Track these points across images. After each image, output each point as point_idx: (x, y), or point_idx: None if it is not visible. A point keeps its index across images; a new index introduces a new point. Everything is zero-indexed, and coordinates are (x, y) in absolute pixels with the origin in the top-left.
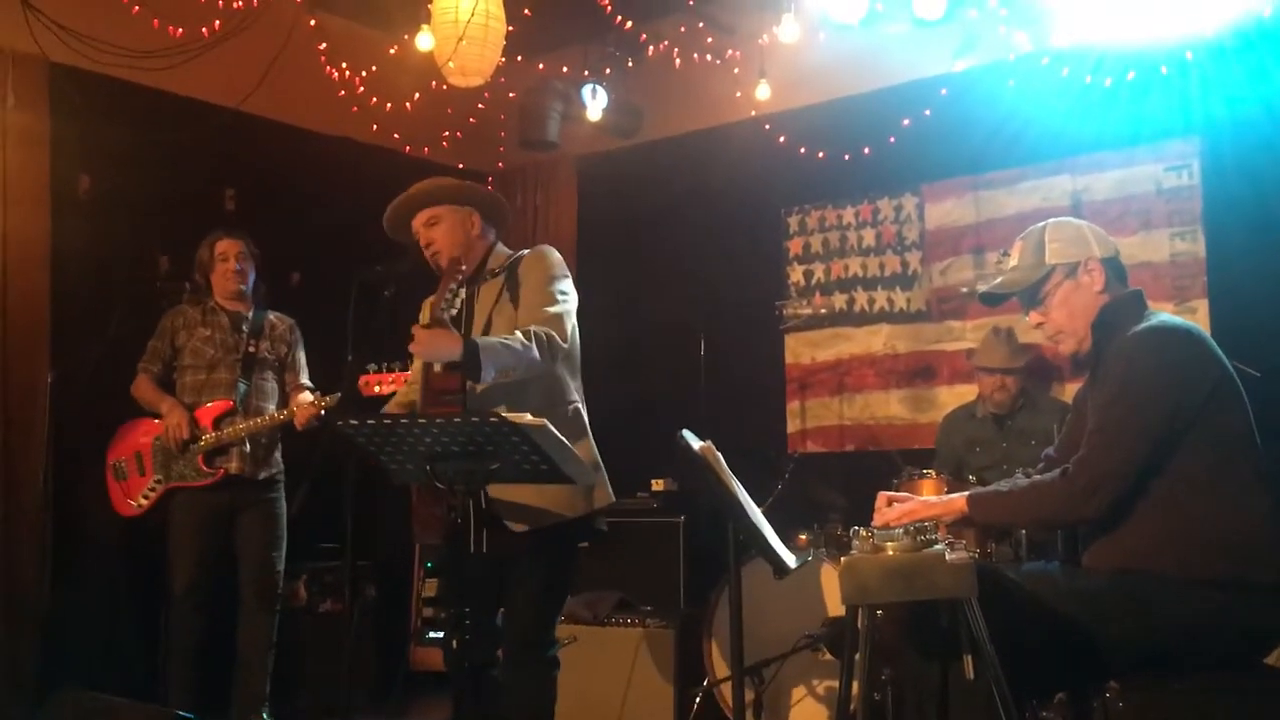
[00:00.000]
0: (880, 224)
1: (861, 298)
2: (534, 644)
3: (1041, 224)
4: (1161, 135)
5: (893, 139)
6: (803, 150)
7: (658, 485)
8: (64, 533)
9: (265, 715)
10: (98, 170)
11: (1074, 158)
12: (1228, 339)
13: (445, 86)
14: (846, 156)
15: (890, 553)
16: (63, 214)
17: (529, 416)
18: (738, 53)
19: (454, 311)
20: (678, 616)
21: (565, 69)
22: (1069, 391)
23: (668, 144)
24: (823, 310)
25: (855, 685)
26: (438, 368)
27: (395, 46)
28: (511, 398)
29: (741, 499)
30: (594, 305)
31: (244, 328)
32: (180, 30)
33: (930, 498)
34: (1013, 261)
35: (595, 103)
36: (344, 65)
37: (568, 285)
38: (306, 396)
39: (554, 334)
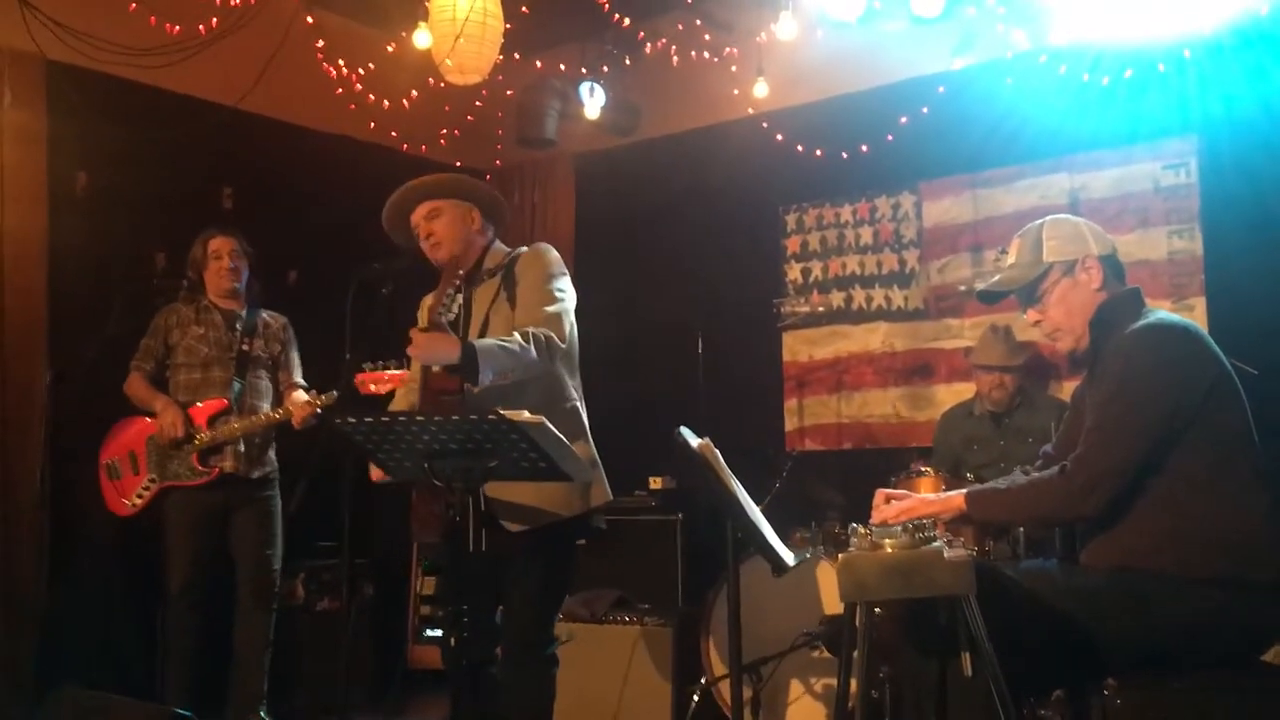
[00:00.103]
0: (878, 222)
1: (859, 296)
2: (533, 643)
3: (1039, 221)
4: (1159, 133)
5: (890, 137)
6: (800, 148)
7: (656, 483)
8: (61, 532)
9: (263, 714)
10: (95, 168)
11: (1072, 156)
12: (1225, 337)
13: (443, 84)
14: (844, 154)
15: (889, 550)
16: (60, 212)
17: (527, 414)
18: (735, 50)
19: (451, 316)
20: (675, 614)
21: (563, 67)
22: (1066, 389)
23: (666, 142)
24: (820, 308)
25: (853, 683)
26: (436, 368)
27: (393, 44)
28: (510, 396)
29: (740, 496)
30: (592, 303)
31: (238, 326)
32: (177, 28)
33: (928, 495)
34: (1010, 259)
35: (593, 100)
36: (342, 63)
37: (565, 283)
38: (301, 395)
39: (552, 334)
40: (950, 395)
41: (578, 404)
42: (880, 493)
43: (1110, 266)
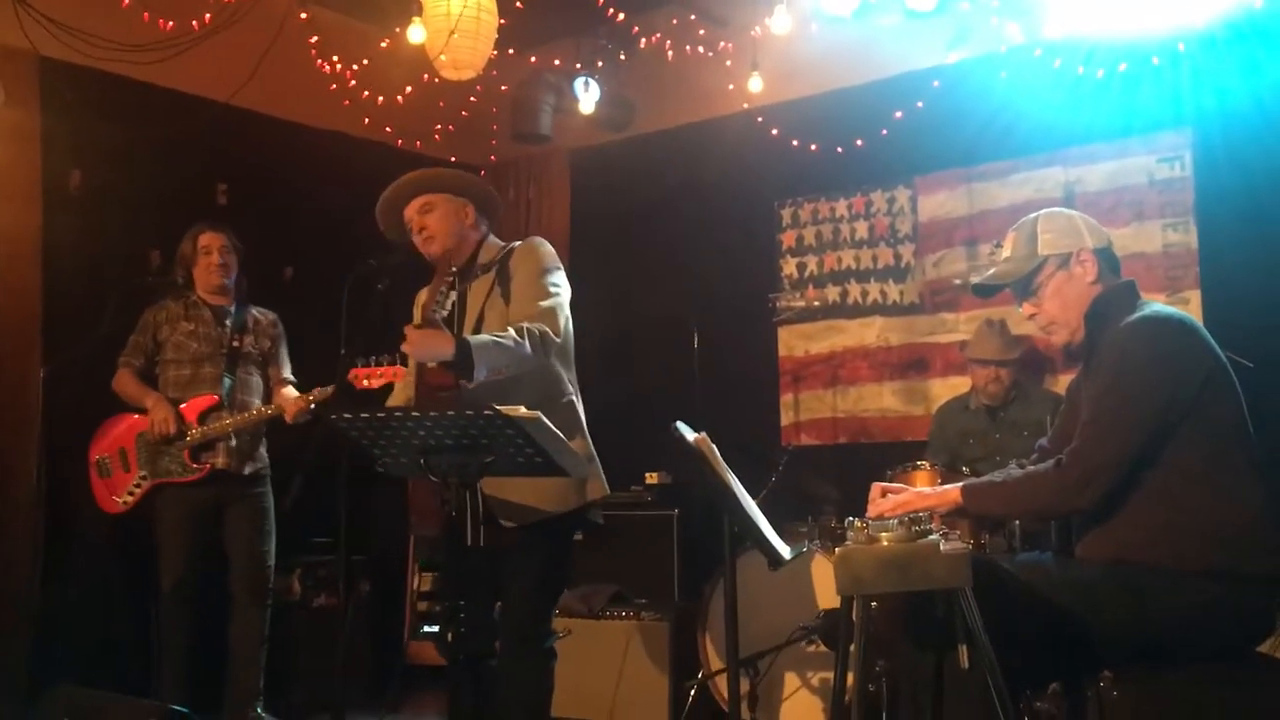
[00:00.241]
0: (873, 216)
1: (854, 290)
2: (530, 636)
3: (1034, 215)
4: (1153, 127)
5: (885, 131)
6: (795, 143)
7: (652, 478)
8: (56, 529)
9: (259, 710)
10: (89, 165)
11: (1066, 149)
12: (1220, 329)
13: (437, 80)
14: (839, 149)
15: (885, 543)
16: (54, 209)
17: (523, 409)
18: (730, 45)
19: (445, 312)
20: (672, 609)
21: (557, 62)
22: (1062, 383)
23: (660, 137)
24: (816, 303)
25: (850, 676)
26: (431, 364)
27: (387, 40)
28: (505, 391)
29: (736, 491)
30: (587, 298)
31: (227, 322)
32: (171, 24)
33: (924, 489)
34: (1005, 253)
35: (587, 96)
36: (335, 59)
37: (560, 277)
38: (291, 391)
39: (547, 329)
40: (946, 389)
41: (574, 399)
42: (876, 486)
43: (1105, 259)
